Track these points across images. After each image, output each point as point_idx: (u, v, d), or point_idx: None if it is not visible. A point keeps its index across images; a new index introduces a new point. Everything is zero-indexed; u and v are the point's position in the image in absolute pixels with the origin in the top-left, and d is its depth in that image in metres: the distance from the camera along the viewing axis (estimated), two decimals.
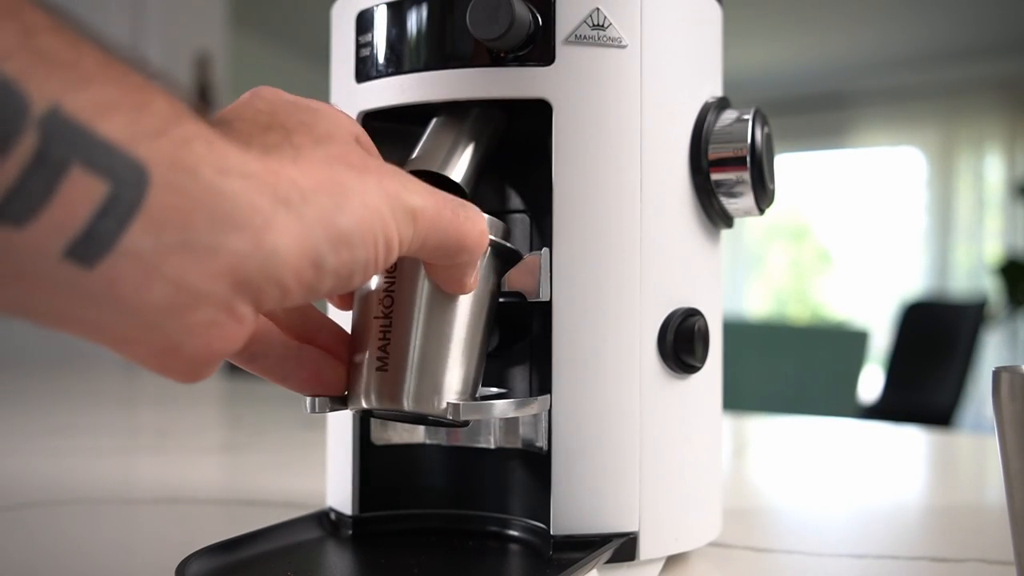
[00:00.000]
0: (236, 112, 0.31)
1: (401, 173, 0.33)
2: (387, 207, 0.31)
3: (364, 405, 0.38)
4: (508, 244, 0.40)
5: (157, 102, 0.25)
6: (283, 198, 0.27)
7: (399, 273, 0.38)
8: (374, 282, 0.39)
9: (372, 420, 0.46)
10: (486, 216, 0.37)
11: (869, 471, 0.82)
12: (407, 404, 0.37)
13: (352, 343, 0.39)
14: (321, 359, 0.39)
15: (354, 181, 0.30)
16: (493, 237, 0.39)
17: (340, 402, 0.41)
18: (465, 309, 0.39)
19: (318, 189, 0.29)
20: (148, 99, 0.25)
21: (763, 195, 0.44)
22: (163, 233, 0.25)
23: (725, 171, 0.43)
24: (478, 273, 0.37)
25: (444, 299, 0.38)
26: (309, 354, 0.39)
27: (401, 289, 0.38)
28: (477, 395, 0.39)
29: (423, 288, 0.38)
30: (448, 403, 0.37)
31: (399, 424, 0.46)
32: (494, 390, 0.43)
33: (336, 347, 0.40)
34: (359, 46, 0.44)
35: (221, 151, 0.26)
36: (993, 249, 4.93)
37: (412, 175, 0.33)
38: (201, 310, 0.27)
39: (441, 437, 0.46)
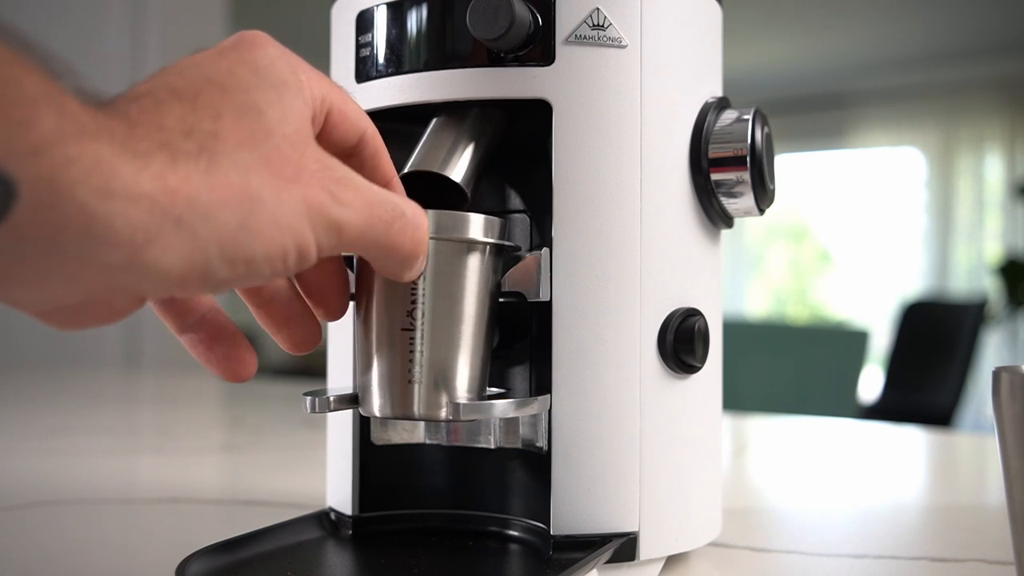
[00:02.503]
0: (167, 103, 0.29)
1: (339, 178, 0.32)
2: (306, 221, 0.30)
3: (389, 414, 0.39)
4: (505, 243, 0.40)
5: (43, 119, 0.24)
6: (175, 217, 0.27)
7: (425, 286, 0.39)
8: (393, 292, 0.39)
9: (372, 420, 0.46)
10: (430, 215, 0.37)
11: (869, 471, 0.82)
12: (418, 412, 0.39)
13: (370, 351, 0.39)
14: (239, 340, 0.38)
15: (271, 194, 0.29)
16: (488, 239, 0.39)
17: (341, 402, 0.42)
18: (472, 314, 0.39)
19: (224, 204, 0.28)
20: (32, 116, 0.24)
21: (763, 195, 0.44)
22: (25, 243, 0.25)
23: (725, 171, 0.43)
24: (423, 266, 0.37)
25: (455, 307, 0.39)
26: (229, 329, 0.38)
27: (427, 302, 0.39)
28: (484, 394, 0.40)
29: (442, 297, 0.39)
30: (450, 403, 0.37)
31: (399, 424, 0.46)
32: (494, 390, 0.43)
33: (286, 318, 0.39)
34: (359, 46, 0.44)
35: (108, 171, 0.26)
36: (993, 249, 4.93)
37: (354, 175, 0.32)
38: (72, 296, 0.27)
39: (441, 437, 0.46)
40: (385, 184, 0.38)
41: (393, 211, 0.33)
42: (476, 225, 0.39)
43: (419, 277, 0.39)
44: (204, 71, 0.30)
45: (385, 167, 0.38)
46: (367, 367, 0.40)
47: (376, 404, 0.40)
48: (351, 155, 0.37)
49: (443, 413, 0.39)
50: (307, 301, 0.39)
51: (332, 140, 0.35)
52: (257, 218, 0.29)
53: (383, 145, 0.38)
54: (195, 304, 0.37)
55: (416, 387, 0.39)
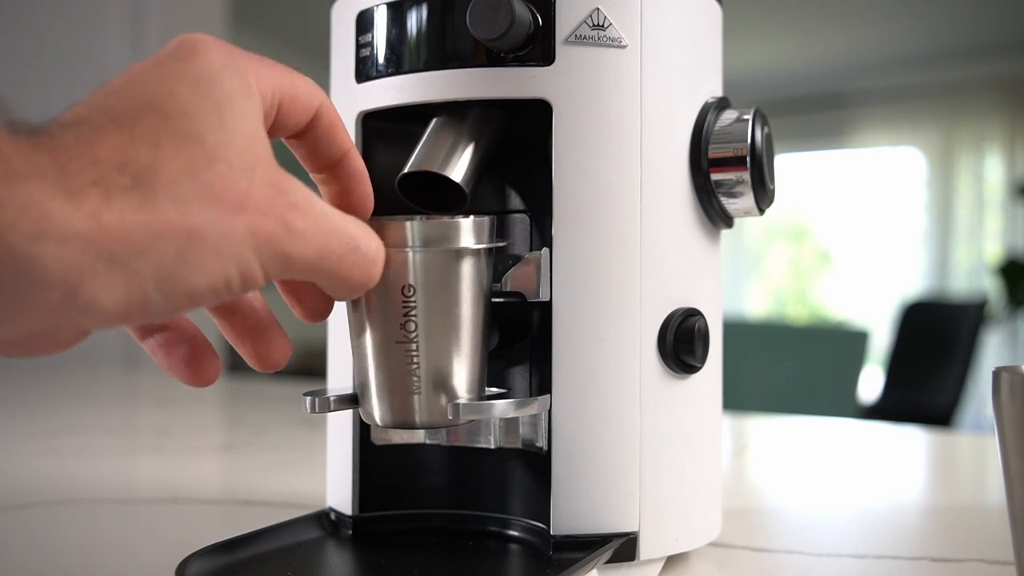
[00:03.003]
0: (104, 131, 0.28)
1: (293, 203, 0.31)
2: (251, 252, 0.30)
3: (391, 423, 0.39)
4: (496, 244, 0.40)
5: None
6: (108, 255, 0.27)
7: (417, 297, 0.38)
8: (386, 303, 0.38)
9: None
10: (412, 220, 0.37)
11: (869, 471, 0.82)
12: (419, 421, 0.39)
13: (366, 362, 0.39)
14: (200, 343, 0.37)
15: (214, 226, 0.29)
16: (478, 245, 0.38)
17: (341, 402, 0.41)
18: (468, 318, 0.39)
19: (159, 239, 0.28)
20: None
21: (763, 195, 0.44)
22: None
23: (725, 171, 0.43)
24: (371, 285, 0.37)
25: (449, 314, 0.38)
26: (190, 331, 0.37)
27: (421, 313, 0.38)
28: (483, 394, 0.40)
29: (436, 307, 0.38)
30: (450, 405, 0.37)
31: None
32: (494, 390, 0.43)
33: (252, 334, 0.38)
34: (359, 46, 0.44)
35: (39, 214, 0.25)
36: (993, 249, 4.93)
37: (312, 199, 0.32)
38: (11, 330, 0.27)
39: (441, 437, 0.46)
40: (342, 155, 0.37)
41: (348, 244, 0.33)
42: (466, 231, 0.38)
43: (409, 289, 0.38)
44: (144, 91, 0.29)
45: (340, 139, 0.37)
46: (364, 376, 0.40)
47: (377, 413, 0.40)
48: (306, 132, 0.36)
49: (445, 418, 0.39)
50: (286, 300, 0.38)
51: (286, 125, 0.35)
52: (197, 250, 0.28)
53: (337, 117, 0.37)
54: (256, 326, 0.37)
55: (416, 398, 0.39)
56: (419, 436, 0.46)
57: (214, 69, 0.31)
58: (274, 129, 0.34)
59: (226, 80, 0.31)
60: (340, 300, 0.37)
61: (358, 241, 0.34)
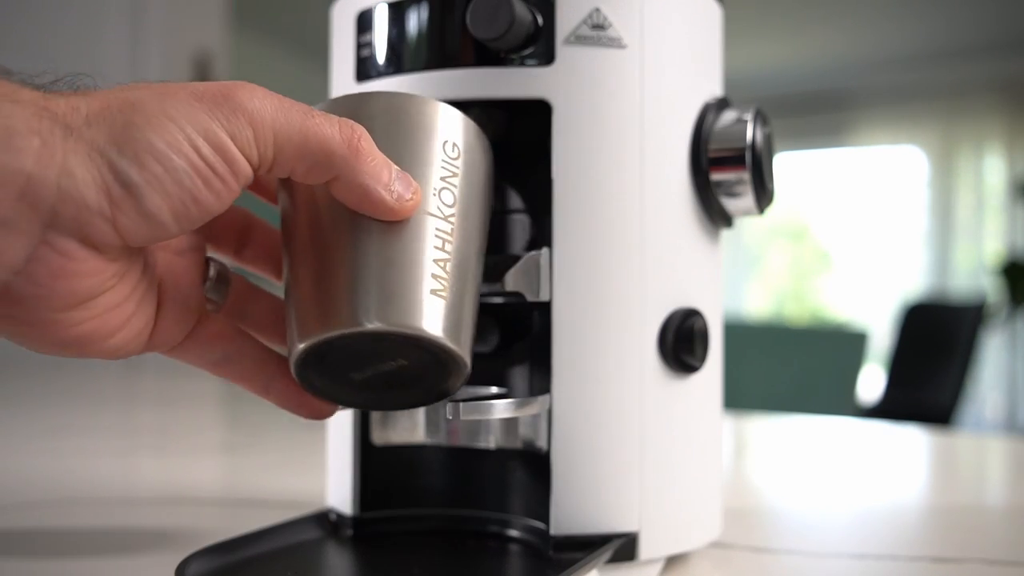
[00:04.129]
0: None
1: (237, 86, 0.30)
2: (204, 113, 0.29)
3: (382, 327, 0.32)
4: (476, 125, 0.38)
5: None
6: (62, 123, 0.27)
7: (460, 163, 0.35)
8: (417, 157, 0.34)
9: (372, 420, 0.46)
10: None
11: (869, 471, 0.82)
12: (432, 331, 0.32)
13: (357, 241, 0.33)
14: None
15: (152, 99, 0.29)
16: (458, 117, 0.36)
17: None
18: (484, 231, 0.36)
19: (104, 112, 0.28)
20: None
21: (763, 195, 0.44)
22: None
23: (725, 171, 0.43)
24: (401, 186, 0.32)
25: (484, 208, 0.36)
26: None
27: (461, 186, 0.35)
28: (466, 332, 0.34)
29: (474, 189, 0.36)
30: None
31: (399, 424, 0.46)
32: (494, 390, 0.43)
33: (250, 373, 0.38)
34: (359, 46, 0.44)
35: None
36: (993, 249, 4.92)
37: (257, 88, 0.31)
38: (11, 242, 0.27)
39: (441, 437, 0.46)
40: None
41: (306, 107, 0.31)
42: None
43: (453, 148, 0.35)
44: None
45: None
46: (344, 264, 0.32)
47: (360, 313, 0.31)
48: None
49: (456, 347, 0.32)
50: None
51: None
52: (142, 115, 0.28)
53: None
54: (264, 358, 0.37)
55: (439, 303, 0.32)
56: (419, 436, 0.46)
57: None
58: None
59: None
60: (367, 209, 0.32)
61: (315, 109, 0.32)
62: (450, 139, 0.36)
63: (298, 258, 0.34)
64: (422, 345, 0.32)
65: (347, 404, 0.36)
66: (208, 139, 0.29)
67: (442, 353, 0.33)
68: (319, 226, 0.33)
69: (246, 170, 0.30)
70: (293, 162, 0.31)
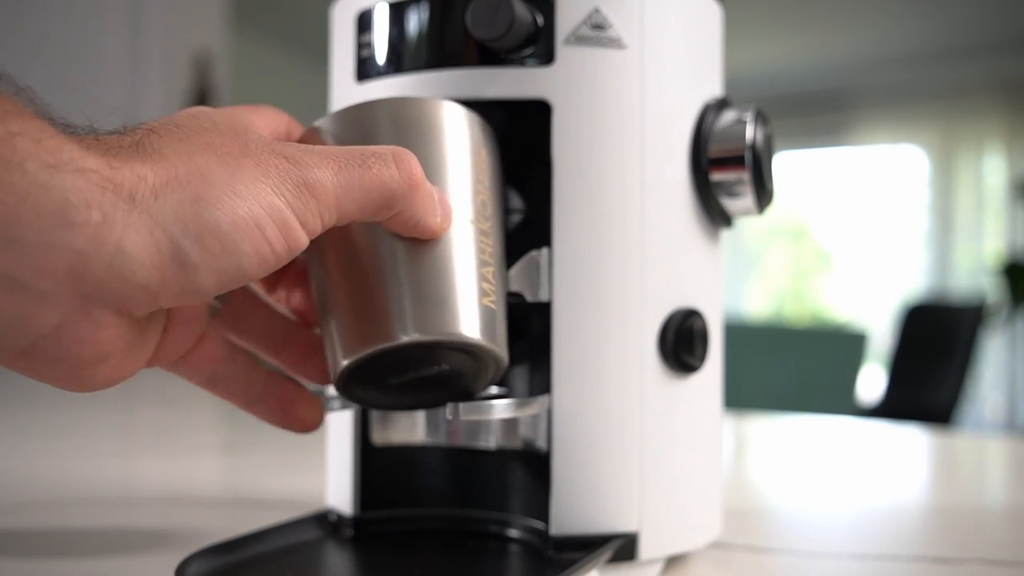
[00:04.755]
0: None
1: (294, 149, 0.30)
2: (268, 189, 0.28)
3: (433, 336, 0.33)
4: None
5: None
6: (127, 194, 0.26)
7: (487, 178, 0.35)
8: (462, 166, 0.35)
9: (372, 420, 0.46)
10: (451, 105, 0.35)
11: (869, 471, 0.82)
12: (484, 339, 0.34)
13: (400, 256, 0.34)
14: (293, 391, 0.39)
15: (221, 170, 0.28)
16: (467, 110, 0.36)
17: (342, 402, 0.41)
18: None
19: (172, 183, 0.27)
20: None
21: (763, 195, 0.44)
22: None
23: (725, 171, 0.43)
24: (441, 207, 0.33)
25: (499, 221, 0.37)
26: (279, 384, 0.38)
27: (490, 194, 0.35)
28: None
29: (497, 196, 0.36)
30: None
31: (399, 424, 0.46)
32: (494, 390, 0.43)
33: (305, 359, 0.39)
34: (359, 46, 0.44)
35: (52, 146, 0.25)
36: (993, 249, 4.92)
37: (311, 148, 0.31)
38: (47, 312, 0.26)
39: (441, 437, 0.46)
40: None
41: (361, 155, 0.31)
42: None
43: (480, 154, 0.35)
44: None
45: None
46: (390, 277, 0.33)
47: (409, 323, 0.32)
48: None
49: (500, 350, 0.34)
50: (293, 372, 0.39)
51: None
52: (212, 190, 0.27)
53: None
54: (251, 377, 0.38)
55: (490, 309, 0.34)
56: (419, 436, 0.46)
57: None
58: None
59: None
60: (424, 231, 0.33)
61: (366, 149, 0.32)
62: (477, 145, 0.36)
63: (339, 275, 0.34)
64: (475, 352, 0.34)
65: (379, 407, 0.38)
66: (274, 218, 0.28)
67: (491, 360, 0.34)
68: (360, 244, 0.34)
69: (303, 244, 0.30)
70: (354, 215, 0.31)
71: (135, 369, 0.32)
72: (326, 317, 0.35)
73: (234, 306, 0.38)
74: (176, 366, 0.37)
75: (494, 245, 0.35)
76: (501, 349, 0.34)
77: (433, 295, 0.33)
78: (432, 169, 0.34)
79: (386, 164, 0.31)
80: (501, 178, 0.39)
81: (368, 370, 0.34)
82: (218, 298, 0.37)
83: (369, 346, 0.33)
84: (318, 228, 0.30)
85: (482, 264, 0.34)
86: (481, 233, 0.34)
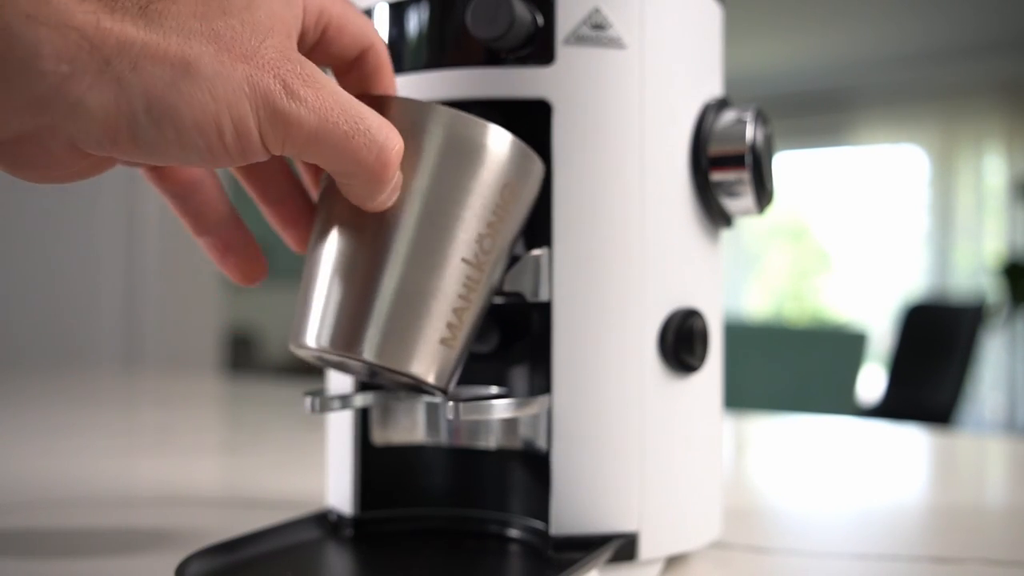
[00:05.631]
0: None
1: (300, 72, 0.29)
2: (247, 102, 0.28)
3: (377, 360, 0.33)
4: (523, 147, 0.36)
5: None
6: (103, 57, 0.26)
7: (508, 209, 0.35)
8: (471, 201, 0.34)
9: (372, 420, 0.46)
10: (442, 108, 0.34)
11: (869, 471, 0.82)
12: (436, 380, 0.35)
13: (383, 271, 0.33)
14: (244, 240, 0.38)
15: (213, 65, 0.28)
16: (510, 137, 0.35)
17: (342, 402, 0.41)
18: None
19: (156, 59, 0.27)
20: None
21: (763, 195, 0.44)
22: None
23: (725, 171, 0.43)
24: (395, 191, 0.33)
25: (507, 255, 0.37)
26: (236, 227, 0.38)
27: (500, 234, 0.35)
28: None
29: (511, 234, 0.36)
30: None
31: (399, 424, 0.46)
32: (494, 390, 0.43)
33: (294, 221, 0.39)
34: None
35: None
36: (993, 249, 4.92)
37: (321, 76, 0.30)
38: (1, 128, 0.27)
39: (441, 438, 0.46)
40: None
41: (356, 123, 0.31)
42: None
43: (508, 191, 0.34)
44: None
45: (385, 85, 0.37)
46: (364, 288, 0.33)
47: (367, 340, 0.33)
48: (350, 70, 0.36)
49: (445, 391, 0.35)
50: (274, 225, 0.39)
51: (329, 53, 0.35)
52: (190, 82, 0.27)
53: (387, 64, 0.37)
54: (211, 209, 0.37)
55: (444, 351, 0.34)
56: (419, 436, 0.46)
57: None
58: (317, 54, 0.34)
59: None
60: (358, 203, 0.33)
61: (369, 123, 0.31)
62: (510, 182, 0.35)
63: (324, 262, 0.34)
64: (416, 385, 0.35)
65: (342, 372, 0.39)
66: (239, 129, 0.28)
67: (434, 392, 0.35)
68: (351, 240, 0.34)
69: (259, 158, 0.30)
70: (313, 160, 0.31)
71: (101, 171, 0.32)
72: (307, 289, 0.35)
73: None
74: (145, 172, 0.37)
75: (483, 289, 0.35)
76: (445, 386, 0.35)
77: (400, 328, 0.33)
78: (452, 199, 0.34)
79: (370, 147, 0.31)
80: (528, 209, 0.38)
81: (318, 360, 0.36)
82: None
83: (328, 344, 0.33)
84: (278, 152, 0.30)
85: (458, 301, 0.34)
86: (471, 270, 0.34)
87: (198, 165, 0.30)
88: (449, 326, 0.34)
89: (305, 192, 0.40)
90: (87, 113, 0.27)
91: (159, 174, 0.37)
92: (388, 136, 0.32)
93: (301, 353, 0.35)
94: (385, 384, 0.40)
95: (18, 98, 0.26)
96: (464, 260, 0.34)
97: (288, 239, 0.40)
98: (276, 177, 0.39)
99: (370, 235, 0.34)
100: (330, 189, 0.35)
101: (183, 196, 0.37)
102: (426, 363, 0.34)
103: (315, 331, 0.34)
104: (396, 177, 0.33)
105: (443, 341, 0.34)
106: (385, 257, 0.33)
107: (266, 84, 0.29)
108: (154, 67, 0.27)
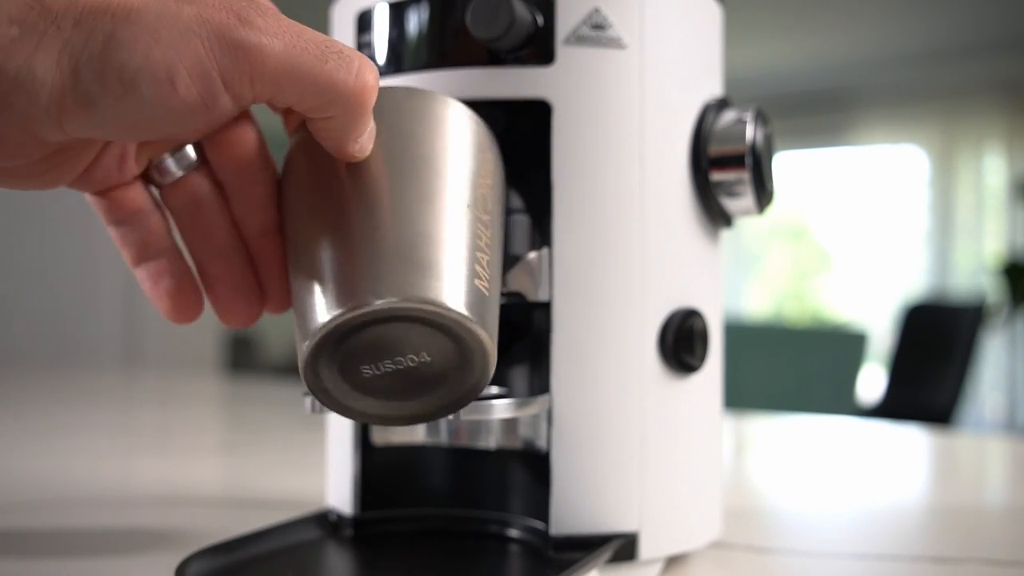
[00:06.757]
0: None
1: (253, 10, 0.27)
2: (198, 40, 0.26)
3: (429, 302, 0.28)
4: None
5: None
6: (52, 16, 0.25)
7: (493, 169, 0.35)
8: (466, 159, 0.33)
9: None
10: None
11: (869, 471, 0.82)
12: (473, 317, 0.29)
13: (396, 221, 0.30)
14: (181, 276, 0.36)
15: (155, 9, 0.26)
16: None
17: None
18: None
19: (99, 13, 0.26)
20: None
21: (763, 195, 0.44)
22: None
23: (725, 171, 0.43)
24: (370, 136, 0.31)
25: (499, 218, 0.36)
26: (174, 262, 0.36)
27: (492, 192, 0.34)
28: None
29: (498, 197, 0.35)
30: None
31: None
32: (494, 390, 0.43)
33: (229, 290, 0.35)
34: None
35: None
36: (993, 249, 4.92)
37: (276, 10, 0.28)
38: None
39: (442, 437, 0.46)
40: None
41: (325, 47, 0.28)
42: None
43: (485, 156, 0.35)
44: None
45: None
46: (384, 237, 0.29)
47: (388, 282, 0.28)
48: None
49: (489, 343, 0.30)
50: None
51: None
52: (131, 29, 0.26)
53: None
54: (153, 240, 0.35)
55: (484, 297, 0.30)
56: (420, 436, 0.46)
57: None
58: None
59: None
60: (338, 147, 0.30)
61: (338, 45, 0.29)
62: (484, 146, 0.36)
63: (312, 227, 0.31)
64: (460, 335, 0.29)
65: (358, 413, 0.32)
66: (191, 71, 0.26)
67: (479, 353, 0.30)
68: (347, 192, 0.31)
69: (226, 109, 0.28)
70: (290, 101, 0.29)
71: (67, 168, 0.31)
72: (299, 277, 0.31)
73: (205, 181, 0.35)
74: (92, 199, 0.35)
75: (495, 245, 0.34)
76: (490, 338, 0.30)
77: (417, 257, 0.29)
78: (432, 153, 0.33)
79: (346, 67, 0.29)
80: (504, 187, 0.38)
81: (337, 353, 0.30)
82: (176, 161, 0.35)
83: (334, 315, 0.28)
84: (247, 96, 0.28)
85: (476, 249, 0.30)
86: (479, 222, 0.32)
87: (163, 133, 0.28)
88: (478, 269, 0.30)
89: (248, 259, 0.36)
90: (33, 79, 0.26)
91: (106, 203, 0.35)
92: (361, 56, 0.30)
93: (308, 366, 0.30)
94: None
95: None
96: (468, 206, 0.32)
97: (212, 298, 0.36)
98: (153, 230, 0.36)
99: (360, 189, 0.31)
100: (293, 166, 0.33)
101: (127, 224, 0.35)
102: (461, 299, 0.29)
103: (313, 318, 0.29)
104: (371, 123, 0.31)
105: (479, 281, 0.30)
106: (379, 209, 0.30)
107: (219, 18, 0.27)
108: (96, 20, 0.26)
